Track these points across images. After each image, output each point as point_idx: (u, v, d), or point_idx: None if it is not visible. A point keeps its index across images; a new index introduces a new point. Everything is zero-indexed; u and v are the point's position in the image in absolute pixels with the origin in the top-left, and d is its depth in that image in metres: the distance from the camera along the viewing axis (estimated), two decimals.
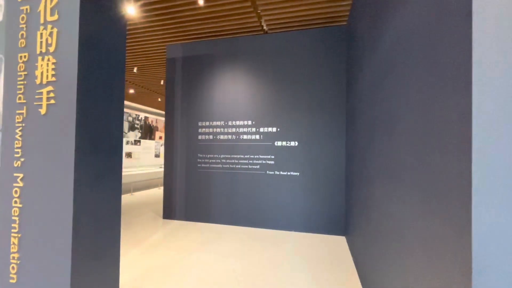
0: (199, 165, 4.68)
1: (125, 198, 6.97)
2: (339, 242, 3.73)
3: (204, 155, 4.66)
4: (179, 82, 4.82)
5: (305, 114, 4.19)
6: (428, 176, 1.10)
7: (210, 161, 4.62)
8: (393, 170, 1.60)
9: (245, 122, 4.46)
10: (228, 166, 4.53)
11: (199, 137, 4.69)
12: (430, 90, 1.11)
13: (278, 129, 4.30)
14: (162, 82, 7.55)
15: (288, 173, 4.23)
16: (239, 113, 4.50)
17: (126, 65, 7.40)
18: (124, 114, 8.56)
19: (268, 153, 4.34)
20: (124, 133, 7.99)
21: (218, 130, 4.60)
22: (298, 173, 4.19)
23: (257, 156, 4.38)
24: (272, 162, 4.31)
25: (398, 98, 1.53)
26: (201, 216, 4.65)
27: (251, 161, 4.41)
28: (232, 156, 4.51)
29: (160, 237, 3.86)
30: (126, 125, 8.05)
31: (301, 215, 4.16)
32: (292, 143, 4.23)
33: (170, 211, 4.83)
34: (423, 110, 1.18)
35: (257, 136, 4.40)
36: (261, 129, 4.38)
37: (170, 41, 5.28)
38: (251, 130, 4.43)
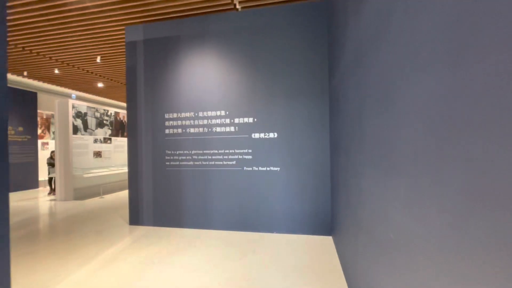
0: (167, 163, 4.13)
1: (93, 202, 6.30)
2: (326, 244, 3.33)
3: (172, 152, 4.11)
4: (141, 69, 4.20)
5: (284, 101, 3.72)
6: (445, 168, 0.65)
7: (180, 158, 4.07)
8: (387, 160, 1.15)
9: (218, 113, 3.94)
10: (200, 163, 4.00)
11: (166, 131, 4.12)
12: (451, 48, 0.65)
13: (255, 120, 3.81)
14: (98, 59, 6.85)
15: (268, 169, 3.77)
16: (211, 102, 3.96)
17: (89, 54, 6.66)
18: (90, 109, 7.80)
19: (244, 146, 3.85)
20: (91, 130, 7.25)
21: (188, 122, 4.05)
22: (278, 168, 3.74)
23: (233, 151, 3.88)
24: (250, 156, 3.83)
25: (396, 67, 1.06)
26: (172, 220, 4.12)
27: (226, 157, 3.90)
28: (204, 151, 3.98)
29: (120, 248, 3.30)
30: (93, 122, 7.30)
31: (283, 215, 3.72)
32: (271, 135, 3.76)
33: (137, 216, 4.26)
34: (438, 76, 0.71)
35: (232, 128, 3.89)
36: (236, 120, 3.88)
37: (132, 23, 4.62)
38: (224, 121, 3.92)
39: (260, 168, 3.79)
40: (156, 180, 4.18)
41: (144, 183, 4.23)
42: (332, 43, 3.16)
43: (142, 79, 4.19)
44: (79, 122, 6.87)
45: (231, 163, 3.89)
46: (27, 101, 8.64)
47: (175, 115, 4.09)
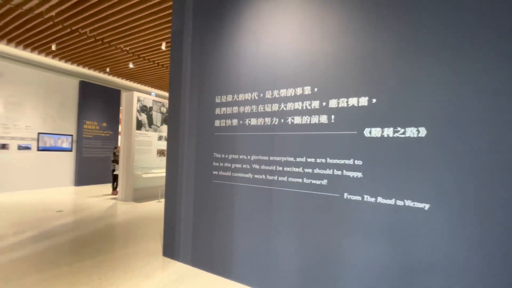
0: (215, 172, 2.66)
1: (149, 207, 5.56)
2: None
3: (223, 155, 2.61)
4: (188, 37, 2.89)
5: (443, 63, 1.68)
6: None
7: (233, 166, 2.53)
8: None
9: (298, 91, 2.21)
10: (263, 176, 2.36)
11: (216, 122, 2.66)
12: None
13: (373, 101, 1.90)
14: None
15: (400, 203, 1.79)
16: (286, 75, 2.28)
17: (155, 42, 6.04)
18: (156, 103, 7.36)
19: (347, 153, 1.99)
20: (156, 127, 6.69)
21: (247, 109, 2.47)
22: (426, 205, 1.71)
23: (323, 160, 2.08)
24: (358, 174, 1.94)
25: None
26: (215, 263, 2.61)
27: (310, 170, 2.13)
28: (271, 158, 2.32)
29: None
30: (158, 117, 6.75)
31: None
32: (411, 132, 1.77)
33: (172, 246, 2.95)
34: None
35: (324, 118, 2.10)
36: (332, 103, 2.06)
37: None
38: (309, 105, 2.16)
39: (380, 200, 1.85)
40: (198, 198, 2.76)
41: (183, 202, 2.88)
42: None
43: (189, 51, 2.87)
44: (143, 117, 6.36)
45: (318, 182, 2.09)
46: (111, 98, 9.02)
47: (229, 97, 2.58)
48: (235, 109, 2.54)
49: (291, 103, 2.24)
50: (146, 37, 5.40)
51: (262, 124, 2.38)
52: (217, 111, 2.65)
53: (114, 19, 4.73)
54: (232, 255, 2.51)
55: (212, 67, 2.71)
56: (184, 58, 2.92)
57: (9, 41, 5.87)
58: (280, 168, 2.27)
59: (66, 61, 7.09)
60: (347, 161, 1.98)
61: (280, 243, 2.26)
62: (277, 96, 2.31)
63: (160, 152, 6.83)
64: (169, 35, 5.31)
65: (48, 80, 7.53)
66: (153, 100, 6.64)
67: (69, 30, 5.21)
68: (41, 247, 3.16)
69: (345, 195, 1.98)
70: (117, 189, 6.40)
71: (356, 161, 1.95)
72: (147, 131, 6.45)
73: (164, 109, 6.93)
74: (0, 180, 6.53)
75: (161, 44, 5.73)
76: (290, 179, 2.22)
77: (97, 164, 8.48)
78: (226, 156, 2.58)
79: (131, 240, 3.54)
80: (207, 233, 2.68)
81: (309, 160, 2.14)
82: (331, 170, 2.04)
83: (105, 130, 8.85)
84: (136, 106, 6.13)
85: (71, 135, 8.08)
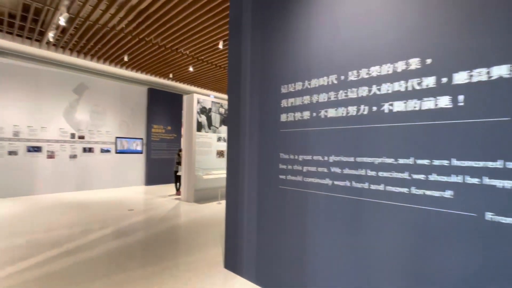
0: (281, 176, 2.22)
1: (210, 208, 5.49)
2: None
3: (291, 156, 2.15)
4: (247, 23, 2.53)
5: None
6: None
7: (306, 168, 2.05)
8: None
9: (400, 66, 1.60)
10: (347, 183, 1.81)
11: (283, 117, 2.22)
12: None
13: None
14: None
15: None
16: (379, 46, 1.68)
17: (212, 41, 6.01)
18: (215, 105, 7.38)
19: (491, 150, 1.30)
20: (215, 128, 6.68)
21: (323, 97, 1.96)
22: None
23: (446, 162, 1.42)
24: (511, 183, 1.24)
25: None
26: (286, 283, 2.16)
27: (422, 176, 1.50)
28: (358, 159, 1.76)
29: None
30: (217, 118, 6.73)
31: None
32: None
33: (234, 259, 2.63)
34: None
35: (443, 100, 1.44)
36: (460, 77, 1.39)
37: None
38: (418, 85, 1.52)
39: None
40: (262, 206, 2.36)
41: (245, 209, 2.53)
42: None
43: (248, 40, 2.51)
44: (203, 119, 6.40)
45: (437, 194, 1.44)
46: (174, 102, 9.55)
47: (298, 85, 2.11)
48: (307, 99, 2.06)
49: (387, 83, 1.64)
50: (204, 37, 5.37)
51: (345, 114, 1.84)
52: (283, 103, 2.21)
53: (174, 22, 4.79)
54: (306, 280, 2.02)
55: (276, 52, 2.28)
56: (243, 49, 2.57)
57: (92, 57, 6.63)
58: (373, 173, 1.69)
59: (136, 71, 7.72)
60: (490, 164, 1.29)
61: (381, 279, 1.67)
62: (365, 76, 1.74)
63: (219, 153, 6.79)
64: (226, 32, 5.16)
65: (122, 89, 8.35)
66: (212, 101, 6.65)
67: (137, 39, 5.54)
68: (112, 246, 3.23)
69: (488, 215, 1.29)
70: (180, 190, 6.59)
71: (508, 163, 1.24)
72: (207, 132, 6.47)
73: (222, 110, 6.89)
74: (85, 179, 7.46)
75: (218, 44, 5.64)
76: (389, 188, 1.62)
77: (163, 165, 9.05)
78: (296, 157, 2.11)
79: (193, 245, 3.38)
80: (274, 248, 2.26)
81: (419, 162, 1.50)
82: (460, 177, 1.37)
83: (170, 133, 9.41)
84: (196, 107, 6.19)
85: (142, 139, 8.81)
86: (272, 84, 2.30)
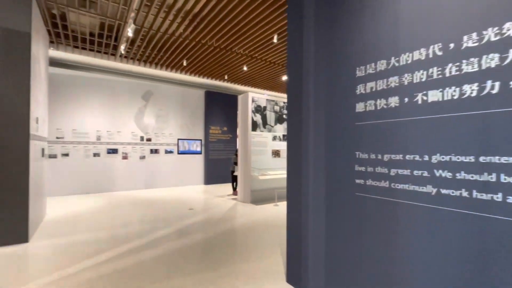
0: (358, 180, 1.78)
1: (267, 210, 5.27)
2: None
3: (373, 155, 1.70)
4: (311, 2, 2.17)
5: None
6: None
7: (394, 172, 1.58)
8: None
9: None
10: (463, 193, 1.28)
11: (359, 106, 1.78)
12: None
13: None
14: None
15: None
16: None
17: (267, 36, 5.74)
18: (269, 103, 7.11)
19: None
20: (270, 126, 6.45)
21: (419, 76, 1.46)
22: None
23: None
24: None
25: None
26: None
27: None
28: (484, 158, 1.22)
29: None
30: (272, 116, 6.48)
31: None
32: None
33: (298, 275, 2.28)
34: None
35: None
36: None
37: None
38: None
39: None
40: (333, 216, 1.96)
41: (310, 219, 2.16)
42: None
43: (312, 17, 2.13)
44: (258, 118, 6.22)
45: None
46: (230, 103, 9.71)
47: (381, 64, 1.65)
48: (393, 80, 1.59)
49: None
50: (258, 32, 5.18)
51: (457, 97, 1.32)
52: (360, 89, 1.78)
53: (227, 21, 4.72)
54: None
55: (348, 29, 1.86)
56: (305, 34, 2.21)
57: (156, 65, 7.15)
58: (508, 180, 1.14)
59: (194, 74, 8.06)
60: None
61: None
62: (494, 38, 1.20)
63: (275, 153, 6.53)
64: (280, 24, 4.86)
65: (182, 93, 8.85)
66: (267, 99, 6.42)
67: (194, 42, 5.69)
68: (173, 247, 3.25)
69: None
70: (237, 190, 6.56)
71: None
72: (262, 131, 6.28)
73: (277, 108, 6.60)
74: (152, 178, 8.11)
75: (272, 38, 5.38)
76: None
77: (220, 165, 9.29)
78: (379, 157, 1.66)
79: (251, 250, 3.17)
80: (348, 268, 1.84)
81: None
82: None
83: (226, 133, 9.60)
84: (250, 106, 6.06)
85: (200, 140, 9.19)
86: (343, 68, 1.89)
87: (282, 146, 6.67)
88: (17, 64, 3.22)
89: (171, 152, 8.53)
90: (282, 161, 6.62)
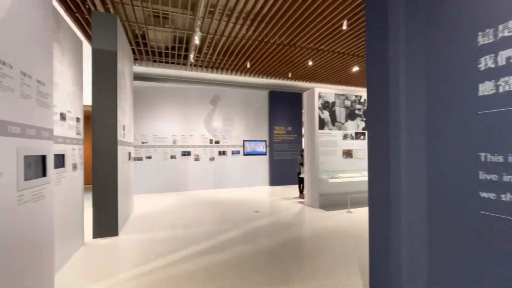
0: (484, 194, 1.23)
1: (339, 217, 4.73)
2: None
3: (509, 158, 1.14)
4: None
5: None
6: None
7: None
8: None
9: None
10: None
11: (482, 88, 1.24)
12: None
13: None
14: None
15: None
16: None
17: (334, 24, 5.17)
18: (339, 97, 6.44)
19: None
20: (340, 124, 5.84)
21: None
22: None
23: None
24: None
25: None
26: None
27: None
28: None
29: None
30: (342, 113, 5.85)
31: None
32: None
33: None
34: None
35: None
36: None
37: None
38: None
39: None
40: (443, 242, 1.43)
41: (405, 241, 1.66)
42: None
43: None
44: (326, 115, 5.70)
45: None
46: (294, 102, 9.37)
47: None
48: None
49: None
50: (325, 21, 4.71)
51: None
52: (485, 62, 1.23)
53: (290, 13, 4.43)
54: None
55: None
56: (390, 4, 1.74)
57: (222, 70, 7.42)
58: None
59: (257, 75, 8.05)
60: None
61: None
62: None
63: (346, 153, 5.87)
64: (351, 7, 4.28)
65: (246, 95, 8.98)
66: (335, 94, 5.84)
67: (256, 42, 5.61)
68: (239, 252, 3.15)
69: None
70: (304, 192, 6.18)
71: None
72: (330, 130, 5.73)
73: (348, 102, 5.94)
74: (221, 179, 8.47)
75: (341, 25, 4.83)
76: None
77: (285, 166, 9.05)
78: None
79: (323, 264, 2.79)
80: None
81: None
82: None
83: (290, 133, 9.30)
84: (317, 103, 5.60)
85: (265, 141, 9.15)
86: (456, 35, 1.36)
87: (355, 145, 5.96)
88: (106, 79, 3.70)
89: (237, 153, 8.76)
90: (355, 162, 5.91)
